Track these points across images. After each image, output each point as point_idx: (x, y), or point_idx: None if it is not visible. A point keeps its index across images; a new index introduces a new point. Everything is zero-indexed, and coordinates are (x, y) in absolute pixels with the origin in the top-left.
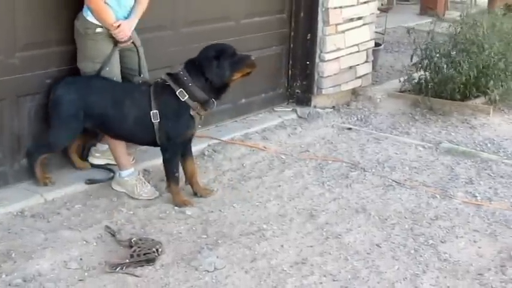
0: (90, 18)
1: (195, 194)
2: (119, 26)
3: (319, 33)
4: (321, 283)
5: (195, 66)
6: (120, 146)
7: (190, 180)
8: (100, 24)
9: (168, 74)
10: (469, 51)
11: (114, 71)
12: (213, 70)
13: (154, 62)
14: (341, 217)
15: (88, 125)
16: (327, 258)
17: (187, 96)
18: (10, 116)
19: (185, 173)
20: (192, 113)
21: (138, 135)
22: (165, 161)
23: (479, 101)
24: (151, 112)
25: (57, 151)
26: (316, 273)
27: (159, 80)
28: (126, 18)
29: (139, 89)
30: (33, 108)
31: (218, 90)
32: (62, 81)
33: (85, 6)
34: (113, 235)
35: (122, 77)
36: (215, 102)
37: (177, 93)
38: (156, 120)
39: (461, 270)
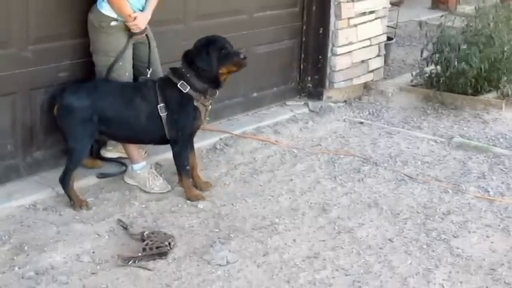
0: (105, 11)
1: (195, 187)
2: (135, 18)
3: (332, 27)
4: (333, 277)
5: (190, 56)
6: None
7: (191, 173)
8: (115, 17)
9: (171, 69)
10: (480, 43)
11: (126, 66)
12: (202, 59)
13: (166, 56)
14: (353, 211)
15: (101, 129)
16: (339, 252)
17: (188, 87)
18: (23, 108)
19: None
20: (196, 103)
21: (149, 133)
22: (175, 155)
23: (491, 96)
24: (158, 106)
25: (81, 160)
26: (329, 267)
27: (163, 75)
28: (141, 10)
29: (145, 86)
30: (45, 101)
31: (212, 80)
32: (67, 89)
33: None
34: (125, 228)
35: (134, 70)
36: (217, 92)
37: (178, 85)
38: (163, 114)
39: (473, 266)
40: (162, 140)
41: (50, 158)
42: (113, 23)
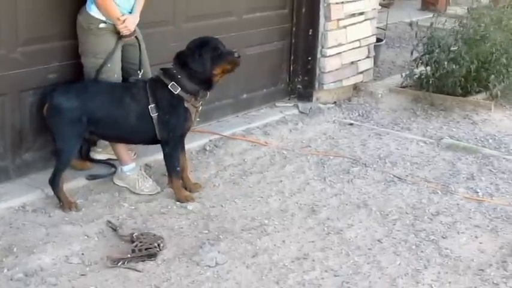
0: (94, 13)
1: (185, 189)
2: (124, 21)
3: (321, 29)
4: (322, 278)
5: (182, 58)
6: None
7: (181, 174)
8: (103, 19)
9: (162, 69)
10: (470, 43)
11: (115, 68)
12: (195, 61)
13: (155, 57)
14: (342, 212)
15: (91, 129)
16: (328, 253)
17: (179, 89)
18: (12, 110)
19: None
20: (186, 105)
21: (139, 133)
22: (166, 156)
23: (480, 97)
24: (149, 107)
25: (70, 161)
26: (318, 268)
27: (154, 75)
28: (130, 12)
29: (136, 86)
30: (35, 103)
31: (204, 81)
32: (57, 89)
33: (88, 1)
34: (115, 230)
35: (123, 72)
36: (207, 93)
37: (169, 86)
38: (154, 114)
39: (462, 266)
40: (152, 140)
41: (39, 159)
42: (102, 25)
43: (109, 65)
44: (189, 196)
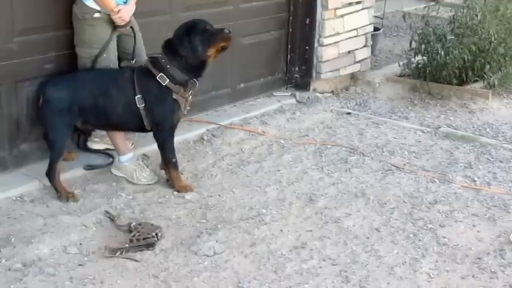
0: (89, 3)
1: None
2: (119, 11)
3: (318, 18)
4: (320, 267)
5: (170, 46)
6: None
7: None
8: (98, 9)
9: (150, 58)
10: (463, 35)
11: (111, 58)
12: (186, 47)
13: (152, 47)
14: (340, 201)
15: (82, 119)
16: (326, 242)
17: (168, 80)
18: (8, 101)
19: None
20: (175, 96)
21: (128, 123)
22: (160, 148)
23: (478, 86)
24: (135, 97)
25: (63, 151)
26: (316, 257)
27: (142, 64)
28: (125, 3)
29: (123, 76)
30: (31, 93)
31: (196, 68)
32: (49, 82)
33: None
34: (112, 220)
35: (120, 61)
36: (197, 82)
37: (157, 78)
38: (141, 105)
39: (460, 255)
40: (142, 130)
41: (36, 150)
42: (97, 15)
43: (104, 55)
44: (188, 186)
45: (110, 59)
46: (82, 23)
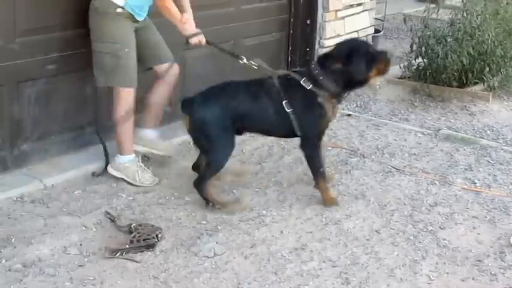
0: None
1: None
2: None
3: (319, 19)
4: (320, 269)
5: (328, 60)
6: (129, 129)
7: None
8: (121, 4)
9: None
10: (462, 39)
11: (133, 54)
12: (352, 66)
13: None
14: (340, 203)
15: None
16: (326, 244)
17: (311, 85)
18: (10, 101)
19: None
20: (320, 100)
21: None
22: (307, 158)
23: (478, 88)
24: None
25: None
26: (316, 259)
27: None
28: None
29: (268, 82)
30: (33, 94)
31: (352, 85)
32: (196, 100)
33: None
34: (113, 221)
35: (139, 57)
36: (347, 95)
37: (301, 82)
38: (289, 110)
39: (460, 257)
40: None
41: (37, 150)
42: (119, 10)
43: (126, 50)
44: (334, 200)
45: (132, 55)
46: (104, 18)
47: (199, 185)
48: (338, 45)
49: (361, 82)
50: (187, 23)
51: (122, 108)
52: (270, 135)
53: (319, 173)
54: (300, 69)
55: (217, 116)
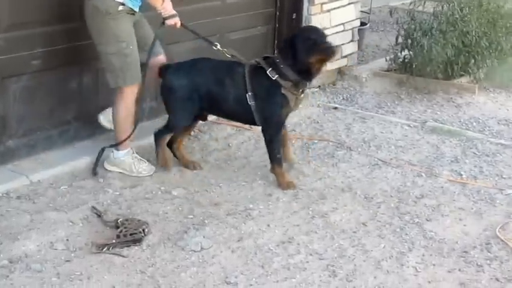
0: None
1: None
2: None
3: (305, 13)
4: (307, 262)
5: (285, 47)
6: (128, 121)
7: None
8: (121, 1)
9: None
10: (445, 30)
11: (136, 51)
12: (295, 50)
13: None
14: (327, 196)
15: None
16: (313, 237)
17: (277, 75)
18: None
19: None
20: (283, 91)
21: (239, 115)
22: (266, 143)
23: (464, 80)
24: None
25: (181, 126)
26: (303, 252)
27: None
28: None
29: (237, 70)
30: (18, 90)
31: (304, 72)
32: (170, 68)
33: None
34: (99, 216)
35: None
36: (307, 83)
37: (267, 72)
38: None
39: (446, 248)
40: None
41: (23, 146)
42: (120, 8)
43: (131, 47)
44: (291, 183)
45: (136, 51)
46: (105, 18)
47: (156, 137)
48: (292, 34)
49: (307, 69)
50: (165, 4)
51: (123, 105)
52: (231, 120)
53: (276, 159)
54: (270, 56)
55: (182, 85)
